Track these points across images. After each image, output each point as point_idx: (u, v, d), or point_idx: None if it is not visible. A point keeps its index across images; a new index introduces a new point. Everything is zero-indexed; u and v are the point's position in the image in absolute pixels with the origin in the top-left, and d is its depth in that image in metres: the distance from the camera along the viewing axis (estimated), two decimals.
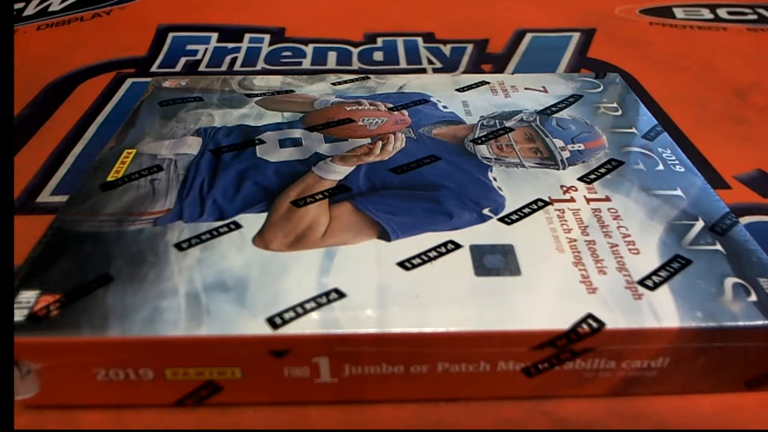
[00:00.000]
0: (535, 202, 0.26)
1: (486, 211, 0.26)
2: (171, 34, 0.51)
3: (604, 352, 0.21)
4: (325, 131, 0.31)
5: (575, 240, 0.24)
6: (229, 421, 0.22)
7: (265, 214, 0.25)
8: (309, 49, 0.49)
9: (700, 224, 0.25)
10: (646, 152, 0.30)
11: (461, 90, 0.36)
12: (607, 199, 0.27)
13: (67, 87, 0.43)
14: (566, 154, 0.30)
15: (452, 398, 0.23)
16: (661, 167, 0.29)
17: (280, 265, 0.23)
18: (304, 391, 0.22)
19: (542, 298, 0.22)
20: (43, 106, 0.41)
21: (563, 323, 0.21)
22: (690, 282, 0.22)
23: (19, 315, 0.21)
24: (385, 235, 0.24)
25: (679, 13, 0.56)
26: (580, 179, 0.28)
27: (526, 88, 0.36)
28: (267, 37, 0.51)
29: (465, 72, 0.46)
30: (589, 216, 0.26)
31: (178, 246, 0.24)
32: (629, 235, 0.25)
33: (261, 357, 0.21)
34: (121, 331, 0.20)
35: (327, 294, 0.22)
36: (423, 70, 0.46)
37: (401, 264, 0.23)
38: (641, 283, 0.22)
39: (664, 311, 0.21)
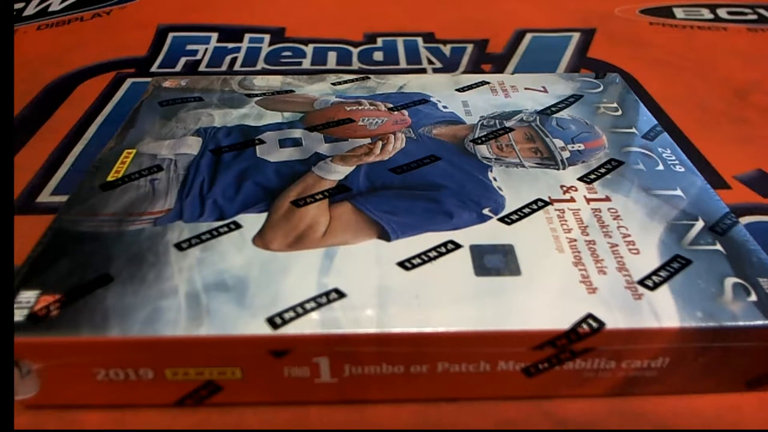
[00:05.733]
0: (535, 202, 0.26)
1: (486, 211, 0.26)
2: (171, 34, 0.51)
3: (604, 352, 0.21)
4: (325, 131, 0.31)
5: (575, 240, 0.24)
6: (229, 421, 0.22)
7: (265, 214, 0.25)
8: (309, 49, 0.49)
9: (700, 224, 0.25)
10: (646, 152, 0.30)
11: (461, 90, 0.36)
12: (607, 199, 0.27)
13: (67, 87, 0.43)
14: (566, 154, 0.30)
15: (452, 398, 0.23)
16: (661, 167, 0.29)
17: (280, 265, 0.23)
18: (304, 391, 0.22)
19: (542, 298, 0.22)
20: (43, 106, 0.41)
21: (563, 323, 0.21)
22: (690, 282, 0.22)
23: (19, 315, 0.21)
24: (385, 235, 0.24)
25: (679, 13, 0.56)
26: (580, 179, 0.28)
27: (526, 88, 0.36)
28: (267, 37, 0.51)
29: (465, 72, 0.46)
30: (589, 216, 0.26)
31: (178, 246, 0.24)
32: (629, 235, 0.25)
33: (261, 357, 0.21)
34: (121, 331, 0.20)
35: (327, 294, 0.22)
36: (423, 70, 0.46)
37: (401, 264, 0.23)
38: (641, 283, 0.22)
39: (664, 311, 0.21)
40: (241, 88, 0.35)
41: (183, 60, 0.48)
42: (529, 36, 0.51)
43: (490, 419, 0.22)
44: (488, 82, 0.36)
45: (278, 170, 0.28)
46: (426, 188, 0.27)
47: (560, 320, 0.21)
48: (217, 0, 0.57)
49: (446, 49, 0.49)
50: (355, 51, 0.49)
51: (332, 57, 0.48)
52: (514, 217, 0.25)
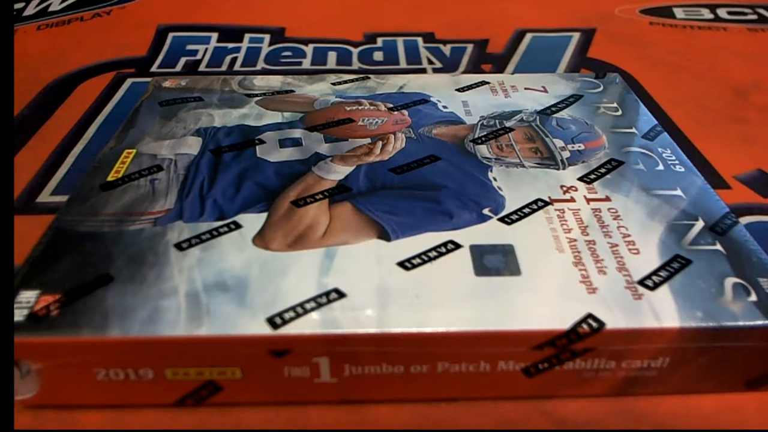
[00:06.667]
0: (535, 202, 0.26)
1: (486, 211, 0.26)
2: (171, 34, 0.51)
3: (604, 352, 0.21)
4: (325, 131, 0.31)
5: (575, 240, 0.24)
6: (229, 421, 0.22)
7: (265, 214, 0.25)
8: (309, 49, 0.49)
9: (700, 224, 0.25)
10: (646, 152, 0.30)
11: (461, 90, 0.36)
12: (607, 199, 0.27)
13: (67, 87, 0.43)
14: (566, 154, 0.30)
15: (452, 398, 0.23)
16: (661, 167, 0.29)
17: (280, 265, 0.23)
18: (304, 391, 0.22)
19: (542, 298, 0.22)
20: (43, 106, 0.41)
21: (563, 323, 0.21)
22: (690, 282, 0.22)
23: (19, 315, 0.21)
24: (385, 235, 0.24)
25: (679, 13, 0.56)
26: (580, 179, 0.28)
27: (526, 88, 0.36)
28: (267, 37, 0.51)
29: (465, 72, 0.46)
30: (589, 216, 0.26)
31: (178, 246, 0.24)
32: (629, 235, 0.25)
33: (261, 357, 0.21)
34: (121, 331, 0.20)
35: (327, 294, 0.22)
36: (423, 70, 0.46)
37: (401, 264, 0.23)
38: (641, 283, 0.22)
39: (664, 311, 0.21)
40: (241, 88, 0.35)
41: (183, 60, 0.48)
42: (529, 36, 0.51)
43: (489, 419, 0.22)
44: (488, 82, 0.36)
45: (278, 170, 0.28)
46: (426, 188, 0.27)
47: (560, 320, 0.21)
48: (217, 0, 0.57)
49: (446, 49, 0.49)
50: (355, 51, 0.49)
51: (332, 57, 0.48)
52: (514, 217, 0.25)
